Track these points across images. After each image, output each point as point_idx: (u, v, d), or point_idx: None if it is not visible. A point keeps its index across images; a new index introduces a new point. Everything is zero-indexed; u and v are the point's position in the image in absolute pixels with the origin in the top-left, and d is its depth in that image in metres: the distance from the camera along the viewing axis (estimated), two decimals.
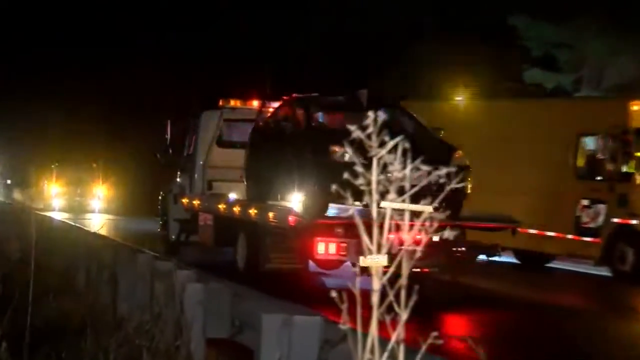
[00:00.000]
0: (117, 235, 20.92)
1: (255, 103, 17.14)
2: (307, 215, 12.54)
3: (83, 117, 42.10)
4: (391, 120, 13.40)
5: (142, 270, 9.16)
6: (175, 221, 18.54)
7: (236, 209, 14.67)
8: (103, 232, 17.04)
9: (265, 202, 14.18)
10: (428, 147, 10.51)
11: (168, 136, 20.01)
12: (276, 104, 15.53)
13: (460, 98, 20.71)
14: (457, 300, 12.92)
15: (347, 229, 12.09)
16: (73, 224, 21.46)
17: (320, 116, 13.70)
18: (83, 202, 37.34)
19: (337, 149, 12.17)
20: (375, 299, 2.77)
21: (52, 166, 39.50)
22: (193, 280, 7.77)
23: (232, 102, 17.53)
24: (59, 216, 28.93)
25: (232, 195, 15.93)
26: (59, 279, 11.92)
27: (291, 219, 12.68)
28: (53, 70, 41.81)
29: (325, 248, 12.31)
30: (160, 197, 20.14)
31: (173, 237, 18.65)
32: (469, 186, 11.94)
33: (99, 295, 10.23)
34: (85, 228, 19.46)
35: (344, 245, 12.23)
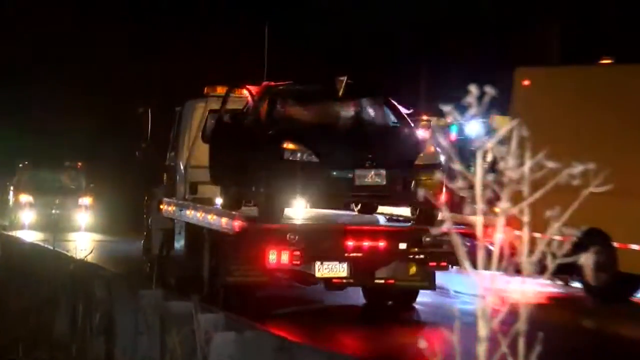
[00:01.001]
0: (112, 263, 21.21)
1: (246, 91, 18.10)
2: (260, 220, 15.01)
3: (65, 105, 43.01)
4: (361, 110, 15.80)
5: (148, 313, 9.29)
6: (159, 231, 20.27)
7: (200, 215, 17.05)
8: (92, 258, 17.34)
9: (237, 208, 16.32)
10: (393, 142, 14.98)
11: (149, 129, 21.48)
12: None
13: (609, 60, 20.43)
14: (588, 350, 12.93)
15: (301, 235, 14.57)
16: (50, 247, 21.78)
17: (286, 107, 15.84)
18: (63, 216, 37.71)
19: (289, 146, 14.38)
20: (481, 350, 2.83)
21: (20, 165, 39.79)
22: (221, 327, 7.87)
23: (219, 90, 18.74)
24: (30, 237, 29.39)
25: (219, 201, 17.48)
26: (31, 324, 12.13)
27: (236, 224, 15.05)
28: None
29: (277, 257, 14.55)
30: (144, 203, 21.76)
31: (157, 250, 20.29)
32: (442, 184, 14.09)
33: (87, 348, 10.41)
34: (67, 253, 19.77)
35: (298, 253, 14.42)
